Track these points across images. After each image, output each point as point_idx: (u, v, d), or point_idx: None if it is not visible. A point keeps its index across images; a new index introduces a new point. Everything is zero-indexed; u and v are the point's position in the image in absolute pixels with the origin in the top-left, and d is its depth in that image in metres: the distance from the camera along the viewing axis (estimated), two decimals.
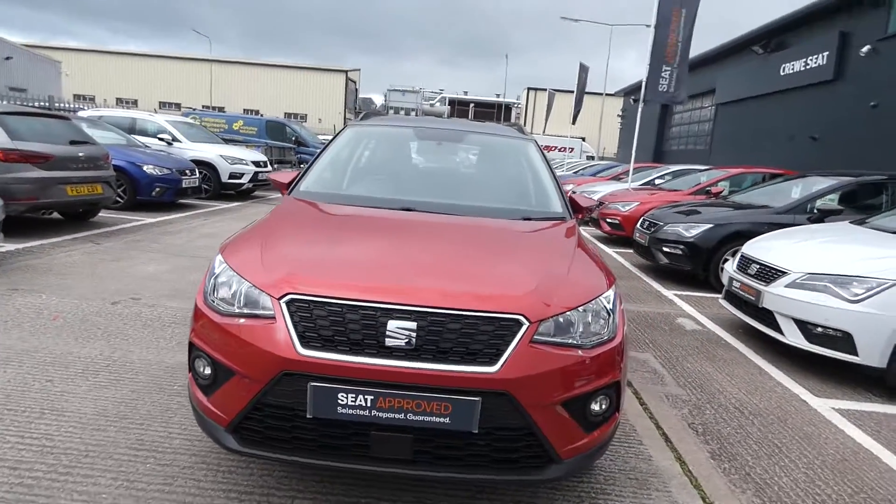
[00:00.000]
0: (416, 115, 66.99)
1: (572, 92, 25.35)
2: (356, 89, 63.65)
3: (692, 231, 6.57)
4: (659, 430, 3.01)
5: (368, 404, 1.78)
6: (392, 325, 1.81)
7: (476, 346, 1.82)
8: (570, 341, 1.93)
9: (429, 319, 1.83)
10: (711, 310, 5.62)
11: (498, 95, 71.42)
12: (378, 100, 72.37)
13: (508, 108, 72.25)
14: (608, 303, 2.12)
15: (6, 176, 5.94)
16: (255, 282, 1.96)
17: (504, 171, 3.51)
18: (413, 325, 1.81)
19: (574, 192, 3.39)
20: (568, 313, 1.97)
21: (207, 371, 1.97)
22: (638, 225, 7.64)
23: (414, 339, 1.80)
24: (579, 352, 1.93)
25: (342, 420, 1.80)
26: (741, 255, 4.86)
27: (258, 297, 1.92)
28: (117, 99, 53.25)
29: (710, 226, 6.50)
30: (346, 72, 58.16)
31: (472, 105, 74.31)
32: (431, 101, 71.22)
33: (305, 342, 1.81)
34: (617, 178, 14.64)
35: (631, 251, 8.19)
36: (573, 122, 25.45)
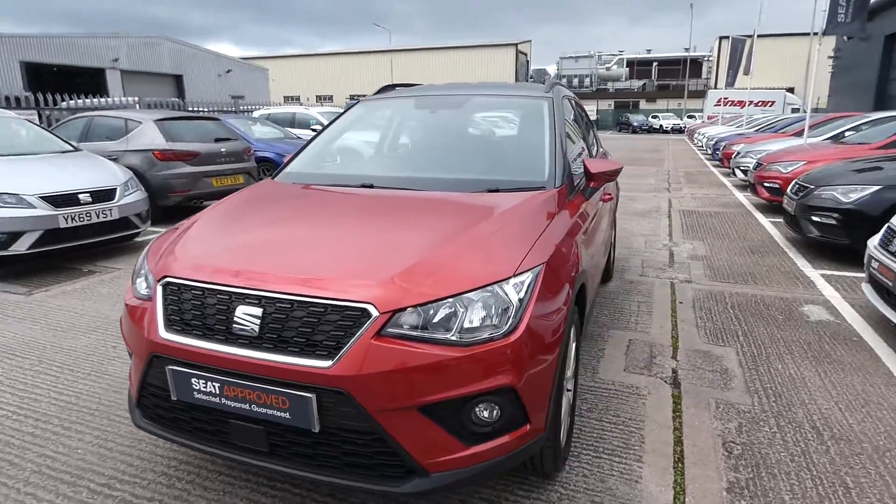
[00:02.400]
0: (591, 81, 63.56)
1: (774, 36, 21.61)
2: (527, 61, 62.69)
3: (852, 195, 5.17)
4: (676, 447, 2.45)
5: (217, 391, 1.74)
6: (240, 310, 1.73)
7: (318, 337, 1.65)
8: (439, 336, 1.65)
9: (275, 306, 1.71)
10: (864, 297, 4.39)
11: (686, 50, 64.15)
12: (553, 70, 70.20)
13: (697, 62, 64.57)
14: (517, 291, 1.76)
15: (165, 172, 7.12)
16: (149, 265, 2.04)
17: (495, 138, 3.14)
18: (259, 311, 1.71)
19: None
20: (442, 301, 1.68)
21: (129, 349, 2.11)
22: (788, 189, 6.27)
23: (257, 327, 1.70)
24: (452, 348, 1.64)
25: (200, 406, 1.79)
26: (887, 227, 3.69)
27: (150, 280, 1.99)
28: (317, 96, 60.21)
29: (878, 188, 5.04)
30: (515, 45, 57.61)
31: (654, 64, 68.19)
32: (608, 65, 66.75)
33: (170, 325, 1.83)
34: (801, 133, 12.20)
35: None
36: (745, 73, 21.71)
